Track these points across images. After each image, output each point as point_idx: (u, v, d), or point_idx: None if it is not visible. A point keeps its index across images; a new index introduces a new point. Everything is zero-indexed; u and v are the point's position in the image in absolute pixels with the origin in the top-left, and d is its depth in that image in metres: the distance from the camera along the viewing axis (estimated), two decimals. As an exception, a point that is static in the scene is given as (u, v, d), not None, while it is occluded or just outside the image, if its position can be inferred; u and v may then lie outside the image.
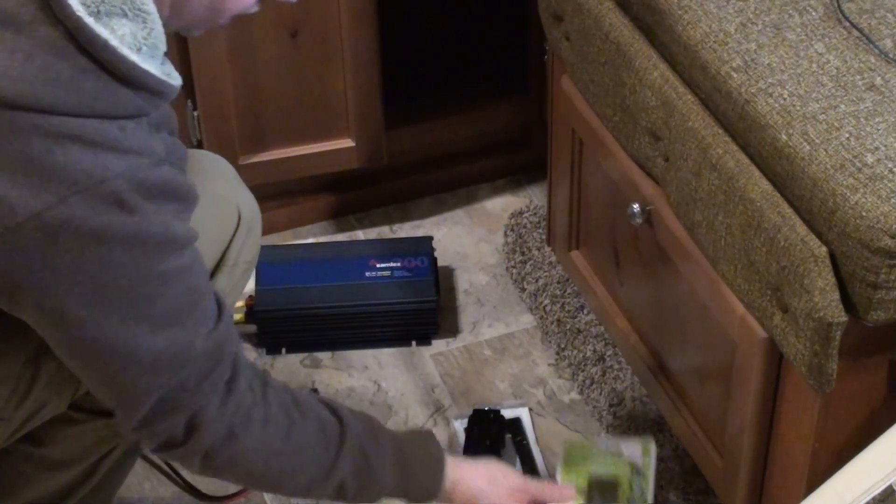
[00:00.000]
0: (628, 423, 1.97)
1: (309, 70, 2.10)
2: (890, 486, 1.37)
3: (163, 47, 1.22)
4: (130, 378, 1.28)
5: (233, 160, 2.13)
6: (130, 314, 1.24)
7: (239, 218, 1.61)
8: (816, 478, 1.48)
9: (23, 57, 1.14)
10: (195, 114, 2.10)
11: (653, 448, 1.72)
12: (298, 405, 1.44)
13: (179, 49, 2.03)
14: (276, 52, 2.07)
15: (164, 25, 1.26)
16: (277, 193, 2.31)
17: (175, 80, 1.23)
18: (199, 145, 2.12)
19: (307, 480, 1.46)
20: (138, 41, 1.18)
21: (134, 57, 1.17)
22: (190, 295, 1.28)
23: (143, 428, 1.33)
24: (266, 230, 2.31)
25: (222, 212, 1.59)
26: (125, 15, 1.17)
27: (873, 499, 1.37)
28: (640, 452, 1.71)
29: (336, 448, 1.46)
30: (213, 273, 1.60)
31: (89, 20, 1.14)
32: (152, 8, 1.19)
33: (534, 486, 1.61)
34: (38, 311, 1.23)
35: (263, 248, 2.16)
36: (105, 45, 1.15)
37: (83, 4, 1.14)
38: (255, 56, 2.06)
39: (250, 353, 2.11)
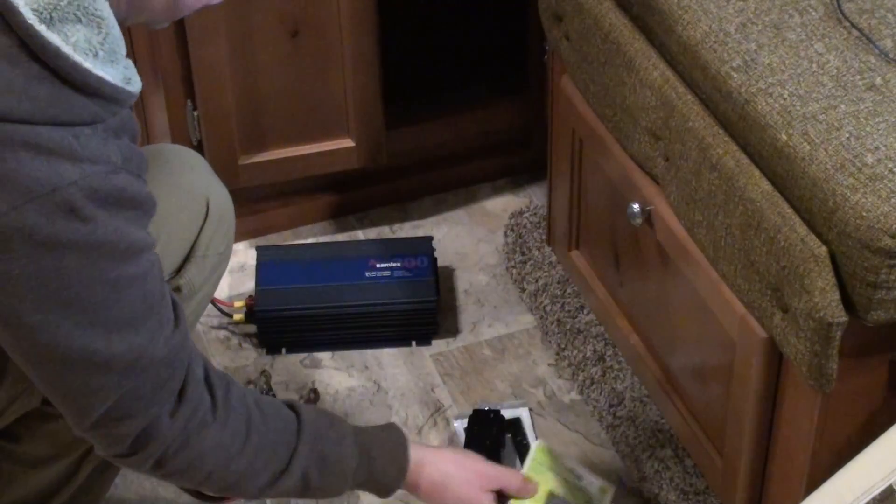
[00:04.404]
0: (628, 423, 1.97)
1: (309, 70, 2.10)
2: (890, 486, 1.37)
3: (122, 50, 1.21)
4: (84, 382, 1.28)
5: (233, 160, 2.14)
6: (85, 320, 1.23)
7: (207, 209, 1.61)
8: (816, 478, 1.48)
9: None
10: (195, 114, 2.10)
11: (611, 492, 1.74)
12: (259, 403, 1.46)
13: (180, 49, 2.04)
14: (276, 52, 2.07)
15: (124, 21, 1.25)
16: (277, 193, 2.31)
17: (134, 85, 1.22)
18: (200, 145, 2.12)
19: (269, 477, 1.46)
20: (93, 46, 1.17)
21: (88, 63, 1.16)
22: (146, 301, 1.27)
23: (93, 432, 1.33)
24: (266, 230, 2.32)
25: (190, 203, 1.59)
26: (79, 20, 1.16)
27: (873, 499, 1.37)
28: (598, 489, 1.74)
29: (294, 439, 1.47)
30: (183, 264, 1.60)
31: (41, 28, 1.13)
32: (107, 12, 1.18)
33: (500, 473, 1.64)
34: None
35: (263, 248, 2.18)
36: (57, 53, 1.14)
37: (35, 12, 1.13)
38: (255, 56, 2.06)
39: (250, 353, 2.11)
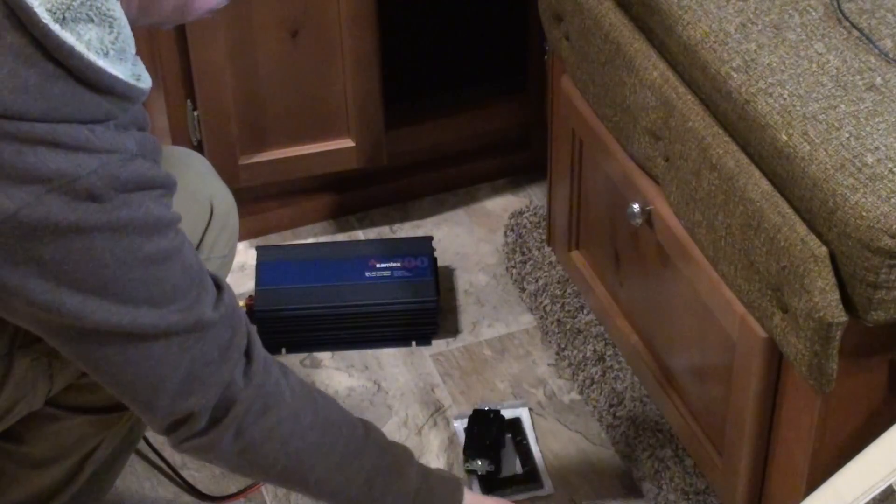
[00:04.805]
0: (628, 423, 1.97)
1: (309, 70, 2.10)
2: (890, 486, 1.37)
3: (132, 49, 1.22)
4: (147, 355, 1.28)
5: (233, 160, 2.14)
6: (125, 297, 1.24)
7: (211, 212, 1.61)
8: (816, 478, 1.48)
9: None
10: (195, 114, 2.10)
11: None
12: (317, 390, 1.47)
13: (179, 49, 2.03)
14: (276, 52, 2.07)
15: (133, 21, 1.26)
16: (277, 193, 2.31)
17: (144, 82, 1.23)
18: (199, 145, 2.12)
19: (338, 459, 1.45)
20: (105, 45, 1.18)
21: (101, 62, 1.17)
22: (185, 272, 1.29)
23: (171, 410, 1.33)
24: (266, 230, 2.32)
25: (193, 206, 1.60)
26: (91, 20, 1.17)
27: (873, 499, 1.37)
28: None
29: (363, 434, 1.48)
30: None
31: (55, 27, 1.14)
32: (119, 12, 1.19)
33: None
34: (33, 307, 1.23)
35: (263, 248, 2.18)
36: (71, 52, 1.15)
37: (49, 11, 1.14)
38: (255, 56, 2.06)
39: (250, 353, 2.11)
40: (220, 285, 1.34)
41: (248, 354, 1.36)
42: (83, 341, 1.27)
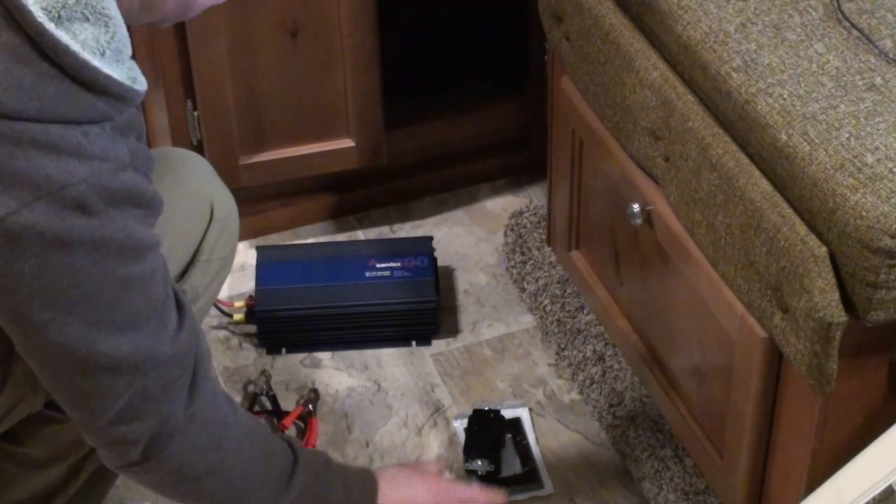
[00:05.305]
0: (628, 423, 1.97)
1: (309, 70, 2.10)
2: (890, 486, 1.37)
3: (128, 51, 1.22)
4: (92, 382, 1.28)
5: (233, 160, 2.14)
6: (91, 318, 1.24)
7: (212, 214, 1.61)
8: (816, 478, 1.48)
9: None
10: (195, 114, 2.10)
11: None
12: (258, 422, 1.51)
13: (179, 49, 2.04)
14: (276, 52, 2.07)
15: (135, 19, 1.26)
16: (277, 193, 2.31)
17: (140, 84, 1.23)
18: (200, 145, 2.12)
19: (272, 488, 1.49)
20: (101, 45, 1.17)
21: (96, 62, 1.17)
22: (151, 300, 1.28)
23: (105, 435, 1.33)
24: (266, 230, 2.32)
25: (194, 207, 1.60)
26: (87, 19, 1.16)
27: (873, 499, 1.37)
28: None
29: (293, 460, 1.51)
30: (187, 269, 1.60)
31: (50, 26, 1.14)
32: (115, 12, 1.19)
33: (459, 489, 1.73)
34: (2, 312, 1.23)
35: (263, 248, 2.18)
36: (66, 51, 1.15)
37: (44, 10, 1.14)
38: (255, 56, 2.07)
39: (250, 353, 2.11)
40: (182, 318, 1.34)
41: (192, 389, 1.35)
42: (37, 351, 1.27)
